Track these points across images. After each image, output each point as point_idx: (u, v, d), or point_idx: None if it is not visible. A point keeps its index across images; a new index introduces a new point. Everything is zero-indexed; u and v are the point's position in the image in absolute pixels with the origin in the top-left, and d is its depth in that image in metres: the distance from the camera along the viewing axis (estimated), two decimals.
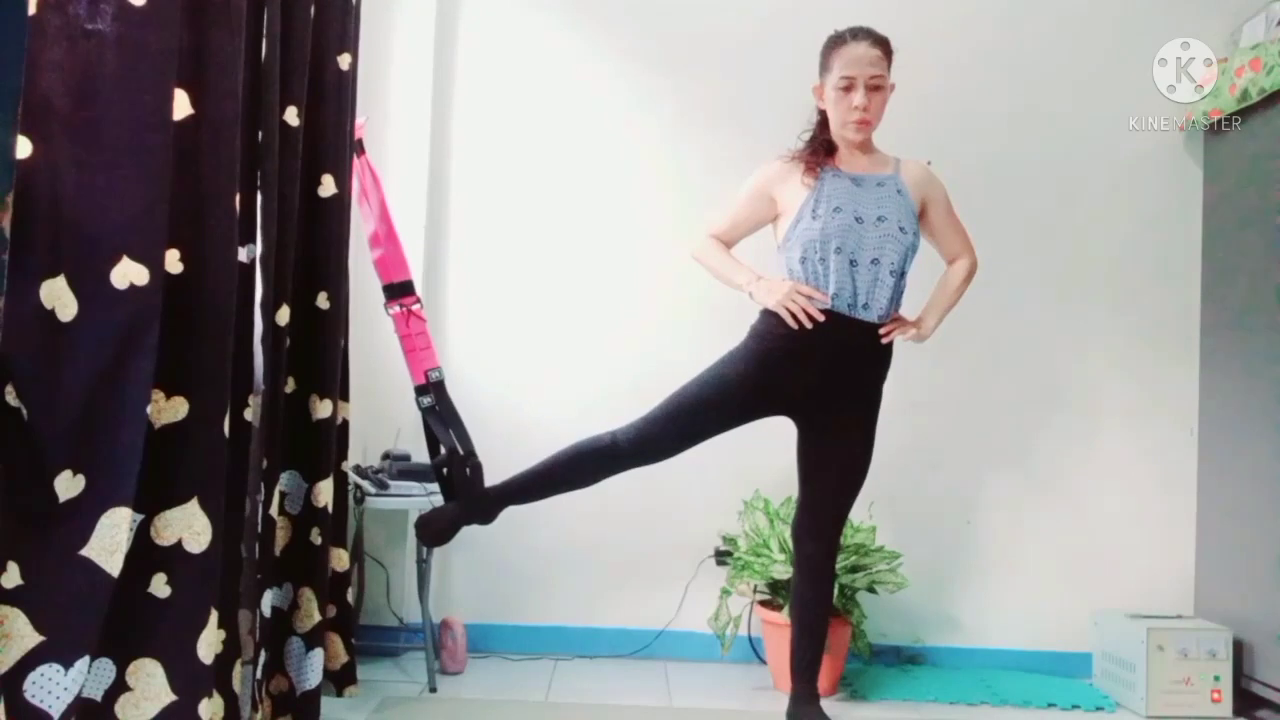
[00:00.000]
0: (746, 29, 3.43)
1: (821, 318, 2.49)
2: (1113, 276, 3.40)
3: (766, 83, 3.41)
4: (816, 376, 2.55)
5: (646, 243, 3.41)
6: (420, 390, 2.84)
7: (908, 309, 2.62)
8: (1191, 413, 3.34)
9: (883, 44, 2.57)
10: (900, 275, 2.55)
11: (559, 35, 3.46)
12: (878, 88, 2.54)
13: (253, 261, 2.16)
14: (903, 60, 3.39)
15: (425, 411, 2.84)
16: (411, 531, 2.90)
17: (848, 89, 2.53)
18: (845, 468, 2.62)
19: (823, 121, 2.62)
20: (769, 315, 2.55)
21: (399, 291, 2.84)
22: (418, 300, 2.87)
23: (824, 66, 2.61)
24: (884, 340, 2.55)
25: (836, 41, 2.59)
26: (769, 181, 2.62)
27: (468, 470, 2.77)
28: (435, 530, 2.75)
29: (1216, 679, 2.94)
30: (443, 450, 2.79)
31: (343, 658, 2.67)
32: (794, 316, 2.48)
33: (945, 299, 2.72)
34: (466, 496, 2.76)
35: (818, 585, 2.66)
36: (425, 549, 2.93)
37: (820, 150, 2.60)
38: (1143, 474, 3.36)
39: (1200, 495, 3.31)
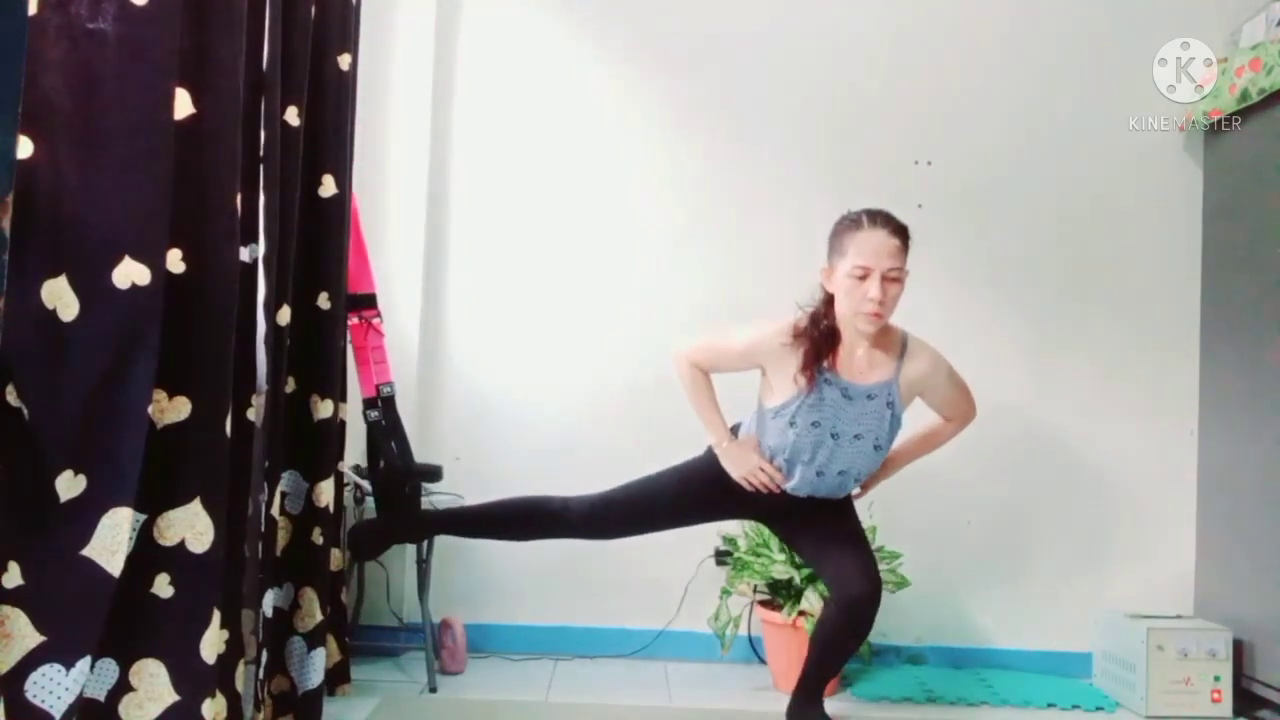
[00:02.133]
0: (746, 33, 3.43)
1: (779, 492, 2.54)
2: (1113, 277, 3.40)
3: (765, 86, 3.41)
4: (772, 510, 2.63)
5: (646, 243, 3.41)
6: (369, 404, 2.87)
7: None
8: (1191, 413, 3.34)
9: (902, 233, 2.41)
10: (864, 478, 2.60)
11: (559, 36, 3.46)
12: (895, 280, 2.39)
13: (254, 261, 2.15)
14: (903, 61, 3.42)
15: (371, 425, 2.86)
16: None
17: (863, 278, 2.37)
18: (839, 533, 2.59)
19: (828, 302, 2.48)
20: None
21: (361, 303, 2.86)
22: (378, 314, 2.89)
23: (836, 249, 2.45)
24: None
25: (852, 224, 2.42)
26: (764, 354, 2.50)
27: (407, 488, 2.80)
28: (367, 543, 2.77)
29: (1216, 679, 2.94)
30: (382, 465, 2.82)
31: (336, 657, 2.67)
32: (753, 485, 2.54)
33: (919, 454, 2.75)
34: (401, 512, 2.78)
35: (862, 631, 2.52)
36: (425, 550, 2.93)
37: (823, 342, 2.45)
38: (1143, 474, 3.36)
39: (1200, 495, 3.31)
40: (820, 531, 2.59)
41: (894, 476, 2.76)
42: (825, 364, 2.45)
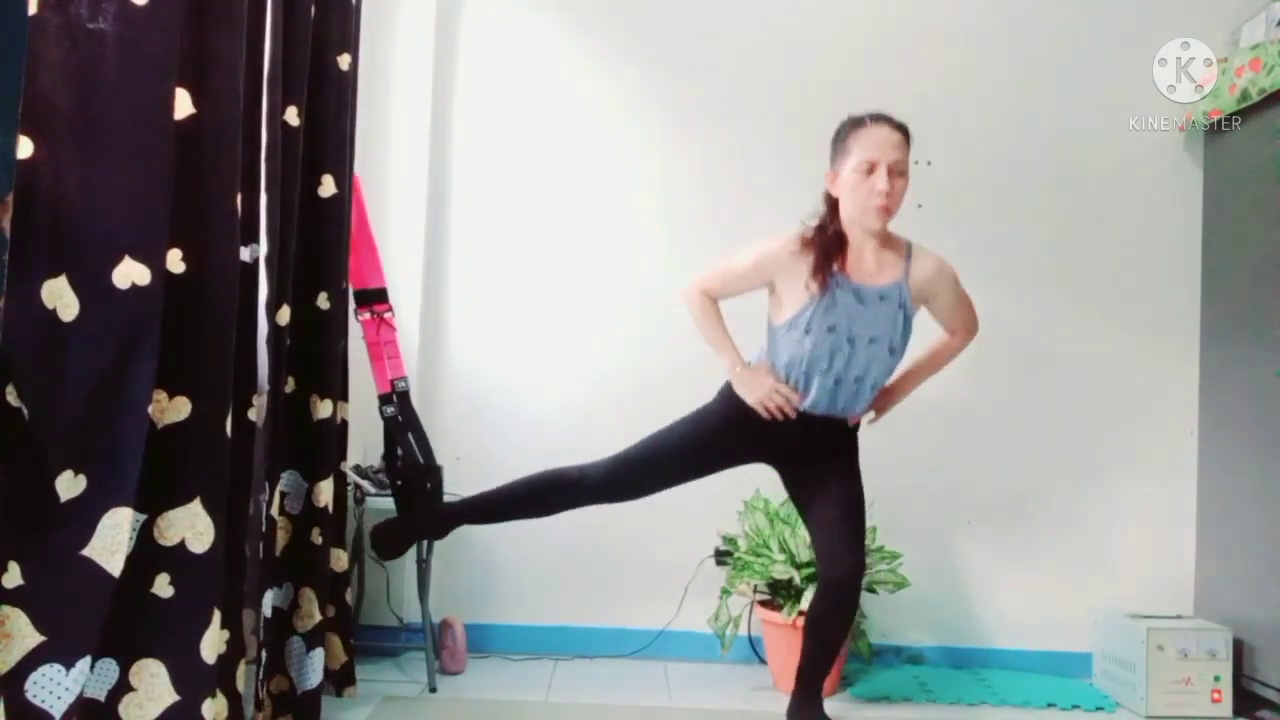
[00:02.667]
0: (746, 32, 3.43)
1: (794, 416, 2.52)
2: (1113, 276, 3.40)
3: (765, 84, 3.41)
4: (784, 446, 2.60)
5: (646, 241, 3.41)
6: (384, 399, 2.85)
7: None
8: (1191, 413, 3.34)
9: (904, 129, 2.47)
10: (880, 387, 2.58)
11: (559, 35, 3.46)
12: (900, 173, 2.44)
13: (255, 261, 2.15)
14: (904, 61, 3.42)
15: (388, 421, 2.84)
16: None
17: (869, 172, 2.41)
18: (838, 497, 2.58)
19: (832, 209, 2.52)
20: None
21: (371, 298, 2.85)
22: (389, 309, 2.88)
23: (840, 151, 2.50)
24: (850, 424, 2.61)
25: (855, 124, 2.48)
26: (773, 266, 2.52)
27: (428, 484, 2.78)
28: (390, 541, 2.74)
29: (1216, 679, 2.94)
30: (400, 461, 2.80)
31: (341, 658, 2.67)
32: (769, 410, 2.52)
33: (927, 372, 2.74)
34: (422, 509, 2.77)
35: (842, 611, 2.57)
36: (425, 549, 2.93)
37: (831, 246, 2.47)
38: (1143, 474, 3.36)
39: (1200, 495, 3.31)
40: (823, 491, 2.58)
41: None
42: (835, 267, 2.47)
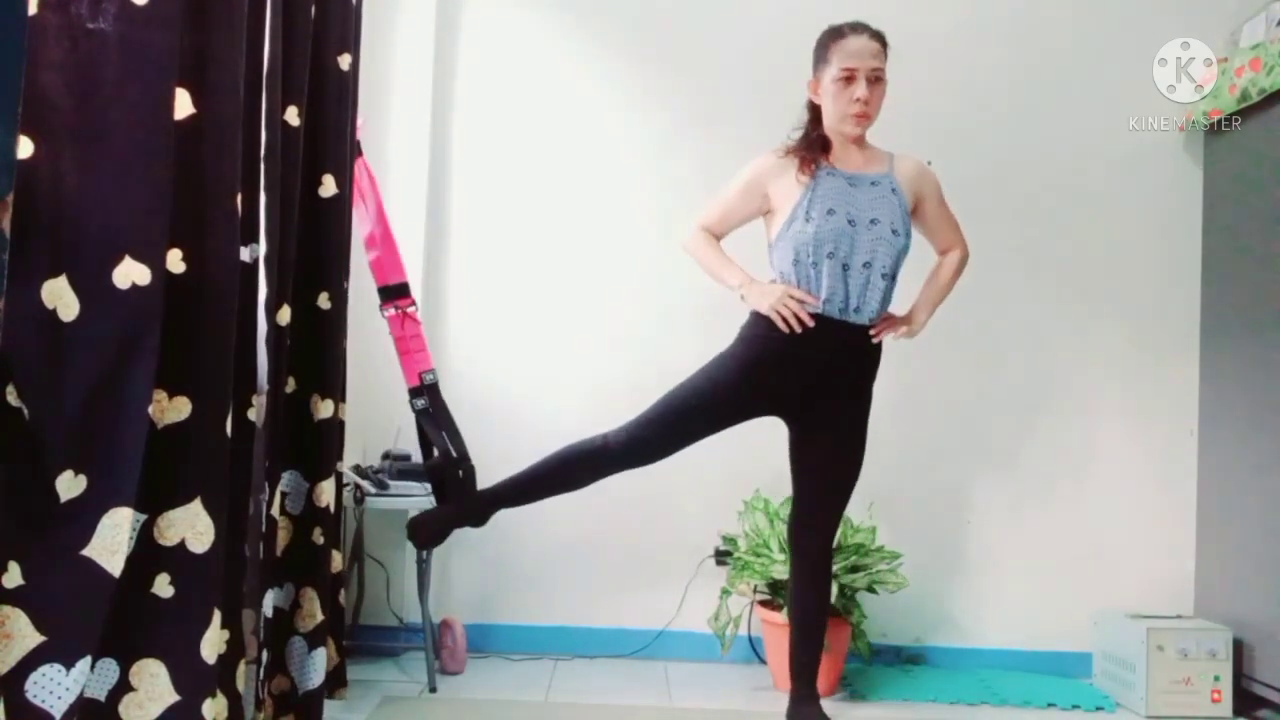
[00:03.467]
0: (745, 31, 3.43)
1: (812, 323, 2.49)
2: (1113, 276, 3.40)
3: (765, 85, 3.40)
4: (806, 378, 2.55)
5: (646, 242, 3.41)
6: (414, 393, 2.85)
7: (898, 306, 2.62)
8: (1191, 413, 3.34)
9: (880, 37, 2.56)
10: (891, 278, 2.55)
11: (559, 36, 3.46)
12: (878, 80, 2.53)
13: (255, 261, 2.15)
14: (904, 62, 3.40)
15: (419, 414, 2.85)
16: None
17: (848, 80, 2.50)
18: (837, 465, 2.61)
19: (814, 118, 2.61)
20: (759, 318, 2.55)
21: (394, 294, 2.85)
22: (413, 303, 2.88)
23: (821, 59, 2.58)
24: (874, 340, 2.56)
25: (834, 34, 2.57)
26: (762, 176, 2.60)
27: (460, 473, 2.78)
28: (428, 533, 2.75)
29: (1216, 679, 2.94)
30: (436, 453, 2.80)
31: (334, 660, 2.66)
32: (785, 321, 2.48)
33: (937, 292, 2.73)
34: (459, 499, 2.76)
35: (816, 586, 2.65)
36: (425, 550, 2.93)
37: (815, 146, 2.58)
38: (1143, 474, 3.36)
39: (1200, 495, 3.31)
40: (823, 451, 2.59)
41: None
42: (822, 160, 2.56)
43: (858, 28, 2.55)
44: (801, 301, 2.48)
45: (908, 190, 2.59)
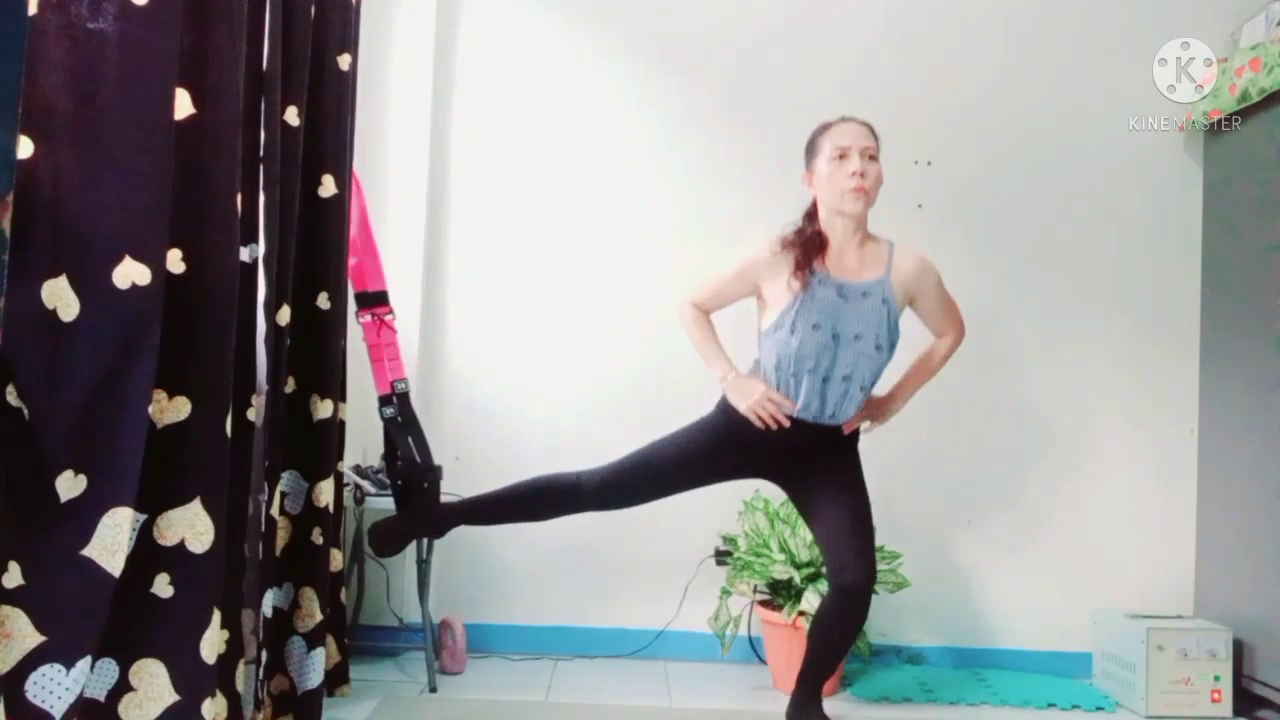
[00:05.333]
0: (746, 32, 3.43)
1: (788, 424, 2.52)
2: (1113, 276, 3.40)
3: (767, 84, 3.41)
4: (783, 460, 2.61)
5: (646, 243, 3.41)
6: (384, 400, 2.86)
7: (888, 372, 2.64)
8: (1191, 413, 3.34)
9: (870, 126, 2.56)
10: (870, 388, 2.58)
11: (560, 35, 3.46)
12: (872, 158, 2.51)
13: (254, 261, 2.15)
14: (903, 62, 3.42)
15: (387, 422, 2.86)
16: None
17: (843, 157, 2.49)
18: (842, 505, 2.57)
19: (810, 214, 2.58)
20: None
21: (372, 300, 2.86)
22: (390, 310, 2.89)
23: (812, 151, 2.58)
24: (846, 433, 2.60)
25: (823, 127, 2.58)
26: (757, 271, 2.56)
27: (425, 484, 2.80)
28: (387, 540, 2.76)
29: (1216, 679, 2.94)
30: (401, 461, 2.81)
31: (335, 658, 2.67)
32: (761, 419, 2.52)
33: (922, 377, 2.74)
34: (421, 509, 2.78)
35: (851, 619, 2.55)
36: (425, 549, 2.94)
37: (811, 245, 2.52)
38: (1143, 474, 3.36)
39: (1200, 495, 3.31)
40: (827, 500, 2.57)
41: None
42: (816, 265, 2.51)
43: (845, 118, 2.57)
44: (779, 404, 2.51)
45: (901, 296, 2.57)
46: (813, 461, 2.59)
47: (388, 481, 2.88)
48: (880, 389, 2.65)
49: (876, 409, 2.68)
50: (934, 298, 2.64)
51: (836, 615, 2.54)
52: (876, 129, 2.58)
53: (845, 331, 2.48)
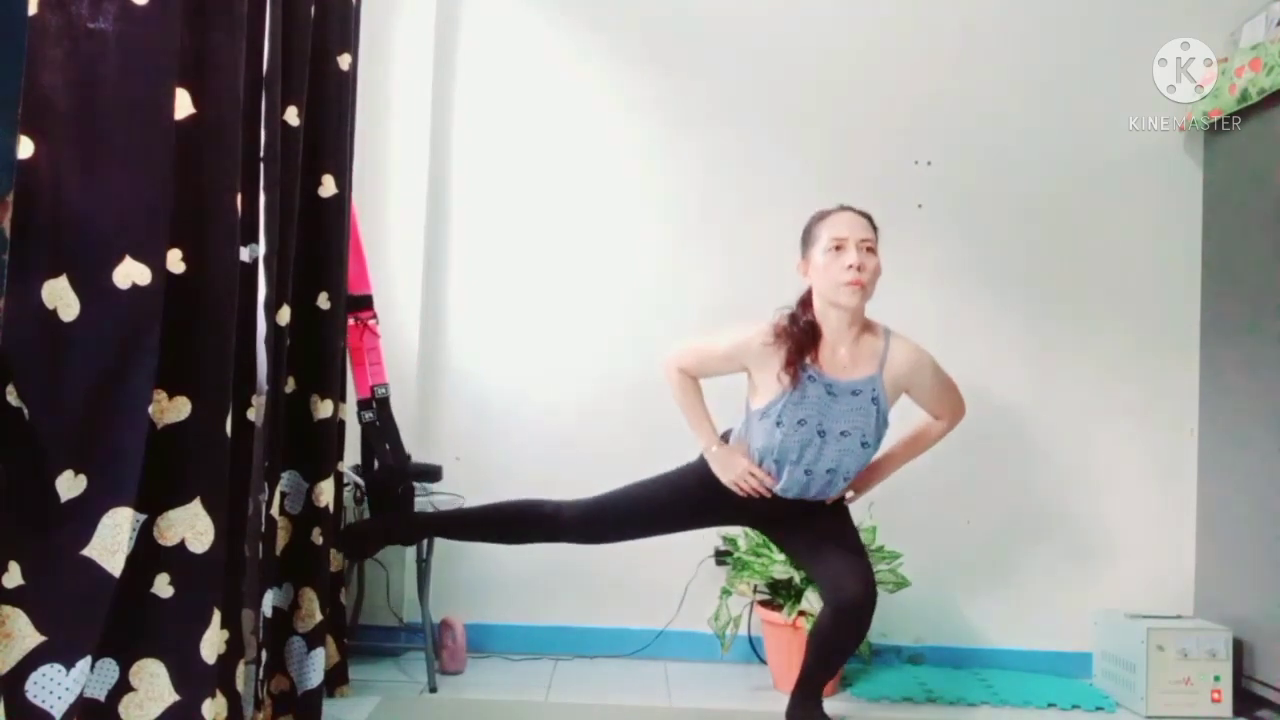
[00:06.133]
0: (746, 33, 3.43)
1: (769, 495, 2.53)
2: (1113, 277, 3.40)
3: (766, 87, 3.41)
4: (766, 516, 2.63)
5: (646, 243, 3.41)
6: (363, 405, 2.87)
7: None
8: (1191, 413, 3.34)
9: (869, 217, 2.51)
10: (854, 477, 2.58)
11: (560, 35, 3.46)
12: (870, 250, 2.46)
13: (254, 261, 2.15)
14: (903, 62, 3.42)
15: (365, 426, 2.87)
16: None
17: (839, 249, 2.43)
18: (830, 538, 2.56)
19: (804, 302, 2.52)
20: None
21: (356, 305, 2.86)
22: (374, 315, 2.90)
23: (808, 240, 2.53)
24: (829, 504, 2.61)
25: (820, 215, 2.53)
26: (747, 358, 2.52)
27: (400, 489, 2.81)
28: (359, 543, 2.78)
29: (1216, 679, 2.94)
30: (377, 466, 2.82)
31: (335, 658, 2.67)
32: (743, 490, 2.53)
33: (909, 456, 2.73)
34: (394, 514, 2.79)
35: (853, 633, 2.51)
36: (425, 549, 2.94)
37: (805, 339, 2.46)
38: (1143, 474, 3.36)
39: (1200, 495, 3.31)
40: (813, 535, 2.58)
41: (894, 476, 2.76)
42: (808, 360, 2.46)
43: (843, 207, 2.52)
44: (761, 480, 2.52)
45: (892, 392, 2.53)
46: (797, 517, 2.60)
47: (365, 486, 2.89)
48: None
49: (859, 482, 2.67)
50: (929, 388, 2.60)
51: (839, 630, 2.50)
52: (875, 220, 2.53)
53: (832, 428, 2.47)
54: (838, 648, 2.55)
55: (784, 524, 2.64)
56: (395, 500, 2.81)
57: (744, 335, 2.52)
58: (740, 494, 2.55)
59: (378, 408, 2.87)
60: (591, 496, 2.67)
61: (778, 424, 2.46)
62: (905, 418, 2.69)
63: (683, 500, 2.63)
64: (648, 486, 2.65)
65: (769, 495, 2.54)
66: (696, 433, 2.62)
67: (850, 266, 2.41)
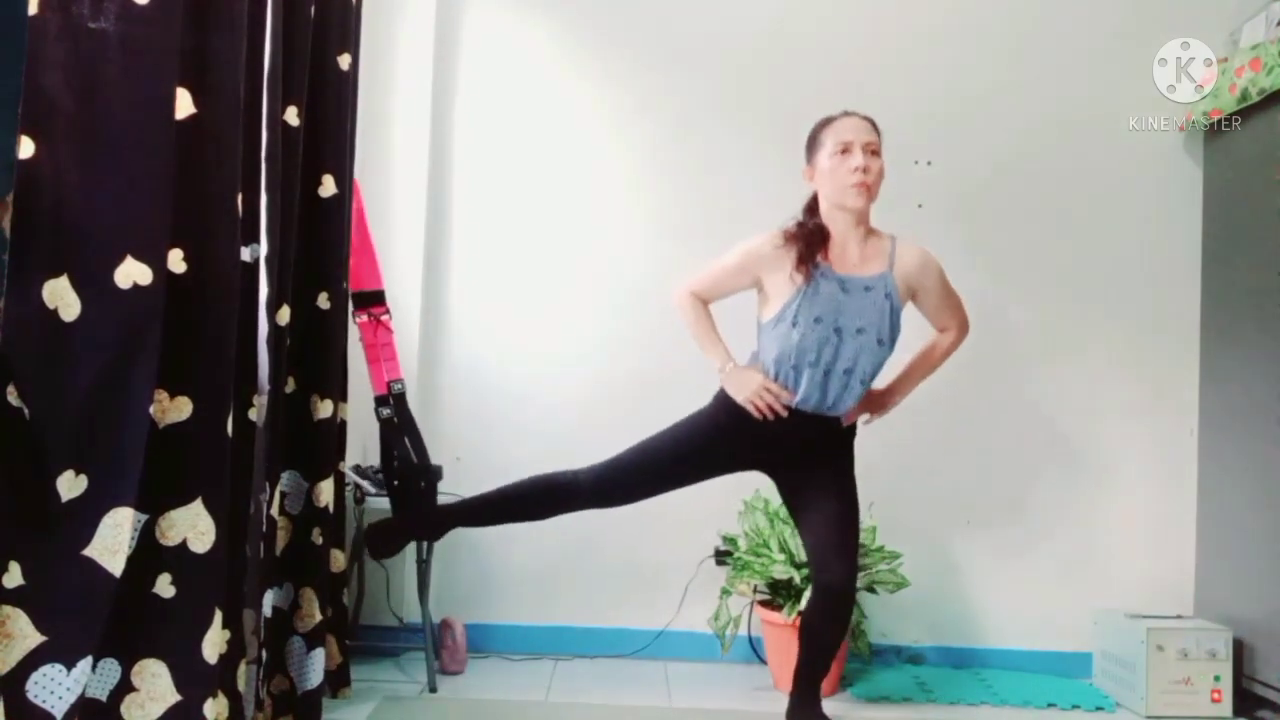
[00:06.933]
0: (745, 32, 3.43)
1: (785, 414, 2.52)
2: (1113, 276, 3.40)
3: (768, 84, 3.41)
4: (778, 450, 2.60)
5: (647, 242, 3.41)
6: (380, 401, 2.85)
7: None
8: (1191, 412, 3.34)
9: (872, 121, 2.55)
10: (870, 381, 2.57)
11: (560, 36, 3.46)
12: (875, 154, 2.50)
13: (255, 261, 2.15)
14: (904, 62, 3.42)
15: (384, 423, 2.85)
16: None
17: (845, 152, 2.48)
18: (831, 504, 2.57)
19: (812, 206, 2.57)
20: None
21: (368, 300, 2.85)
22: (386, 310, 2.89)
23: (814, 145, 2.57)
24: (845, 425, 2.60)
25: (825, 121, 2.57)
26: (758, 263, 2.54)
27: (422, 484, 2.79)
28: (384, 542, 2.75)
29: (1216, 679, 2.94)
30: (398, 462, 2.80)
31: (337, 659, 2.67)
32: (759, 410, 2.51)
33: (923, 372, 2.73)
34: (418, 510, 2.78)
35: (836, 618, 2.54)
36: (425, 549, 2.93)
37: (814, 239, 2.51)
38: (1142, 474, 3.36)
39: (1200, 495, 3.31)
40: (816, 499, 2.57)
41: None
42: (819, 258, 2.50)
43: (847, 112, 2.56)
44: (777, 395, 2.51)
45: (903, 291, 2.56)
46: (807, 455, 2.58)
47: (384, 482, 2.87)
48: (880, 382, 2.65)
49: (875, 402, 2.68)
50: (936, 292, 2.63)
51: (820, 615, 2.54)
52: (878, 123, 2.57)
53: (848, 325, 2.48)
54: (822, 632, 2.57)
55: (793, 466, 2.60)
56: (418, 496, 2.79)
57: (753, 243, 2.56)
58: (756, 415, 2.51)
59: (395, 403, 2.85)
60: (606, 460, 2.64)
61: (794, 324, 2.47)
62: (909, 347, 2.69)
63: (695, 447, 2.60)
64: (661, 439, 2.62)
65: (785, 413, 2.51)
66: (711, 355, 2.62)
67: (856, 169, 2.46)
